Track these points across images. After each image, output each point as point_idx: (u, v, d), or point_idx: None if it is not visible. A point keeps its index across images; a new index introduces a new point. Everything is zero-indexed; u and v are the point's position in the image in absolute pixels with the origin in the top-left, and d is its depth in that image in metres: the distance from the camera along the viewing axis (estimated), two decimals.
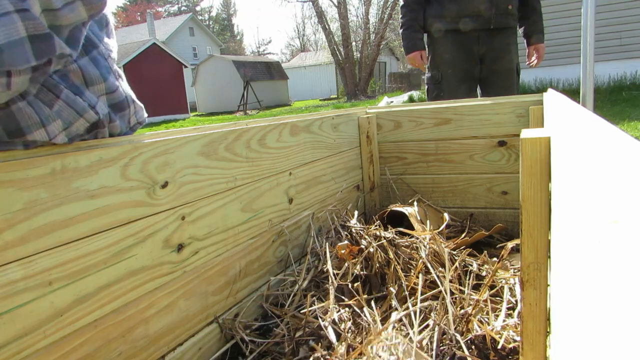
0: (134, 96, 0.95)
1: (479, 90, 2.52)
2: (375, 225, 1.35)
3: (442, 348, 0.88)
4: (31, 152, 0.70)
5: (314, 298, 1.08)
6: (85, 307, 0.73)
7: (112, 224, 0.77)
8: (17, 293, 0.63)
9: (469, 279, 1.16)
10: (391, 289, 1.09)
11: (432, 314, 0.99)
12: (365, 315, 0.98)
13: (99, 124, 0.82)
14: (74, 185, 0.71)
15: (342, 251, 1.17)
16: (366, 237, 1.27)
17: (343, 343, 0.88)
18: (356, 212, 1.49)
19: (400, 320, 0.95)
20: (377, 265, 1.16)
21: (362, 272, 1.14)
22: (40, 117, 0.70)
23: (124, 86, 0.89)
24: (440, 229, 1.48)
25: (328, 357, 0.85)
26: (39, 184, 0.66)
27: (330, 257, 1.21)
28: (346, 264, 1.15)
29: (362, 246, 1.22)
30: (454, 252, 1.32)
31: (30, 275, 0.65)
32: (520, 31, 2.53)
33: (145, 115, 0.98)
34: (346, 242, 1.21)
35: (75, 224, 0.71)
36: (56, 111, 0.72)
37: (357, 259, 1.16)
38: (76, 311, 0.71)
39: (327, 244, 1.27)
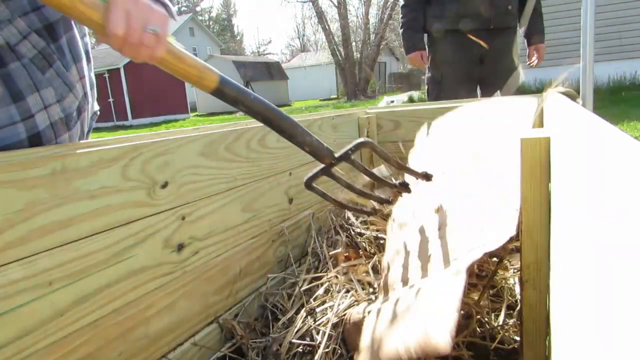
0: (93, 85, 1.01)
1: (479, 91, 2.52)
2: (372, 230, 1.35)
3: None
4: (31, 152, 0.70)
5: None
6: (85, 307, 0.73)
7: (112, 224, 0.77)
8: (18, 293, 0.63)
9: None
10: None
11: None
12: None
13: (81, 107, 0.89)
14: (74, 186, 0.71)
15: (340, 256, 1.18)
16: (365, 240, 1.27)
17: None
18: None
19: None
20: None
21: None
22: (33, 80, 0.77)
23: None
24: None
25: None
26: (40, 184, 0.66)
27: (329, 259, 1.21)
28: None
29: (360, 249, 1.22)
30: None
31: (30, 275, 0.65)
32: (520, 31, 2.53)
33: (97, 107, 1.05)
34: (339, 249, 1.22)
35: (76, 224, 0.71)
36: (47, 78, 0.80)
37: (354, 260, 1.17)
38: (76, 311, 0.71)
39: (325, 245, 1.27)
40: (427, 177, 0.93)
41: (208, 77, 0.72)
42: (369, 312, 0.86)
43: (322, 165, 0.89)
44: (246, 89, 0.77)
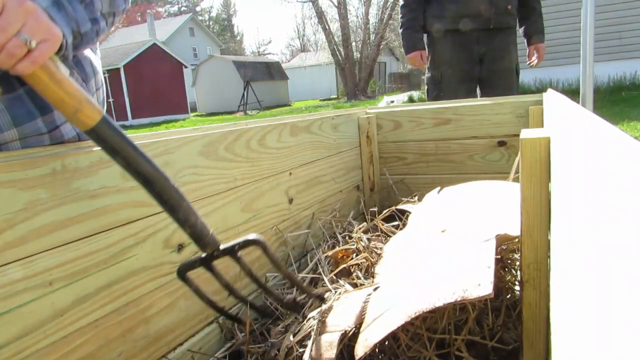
0: None
1: (478, 91, 2.52)
2: (372, 234, 1.35)
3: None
4: (31, 152, 0.70)
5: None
6: (85, 307, 0.73)
7: (113, 224, 0.77)
8: (18, 293, 0.63)
9: None
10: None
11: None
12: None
13: None
14: (74, 186, 0.71)
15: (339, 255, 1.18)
16: (361, 241, 1.27)
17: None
18: (352, 212, 1.49)
19: None
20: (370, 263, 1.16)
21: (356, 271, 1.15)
22: None
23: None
24: None
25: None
26: (40, 184, 0.66)
27: (326, 259, 1.21)
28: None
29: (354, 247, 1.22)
30: None
31: (30, 275, 0.65)
32: (520, 31, 2.53)
33: None
34: (337, 248, 1.22)
35: (76, 224, 0.71)
36: None
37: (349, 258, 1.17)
38: (76, 311, 0.71)
39: (325, 246, 1.28)
40: (320, 298, 0.88)
41: (87, 112, 0.61)
42: (375, 289, 0.87)
43: (203, 255, 0.77)
44: (130, 139, 0.66)
